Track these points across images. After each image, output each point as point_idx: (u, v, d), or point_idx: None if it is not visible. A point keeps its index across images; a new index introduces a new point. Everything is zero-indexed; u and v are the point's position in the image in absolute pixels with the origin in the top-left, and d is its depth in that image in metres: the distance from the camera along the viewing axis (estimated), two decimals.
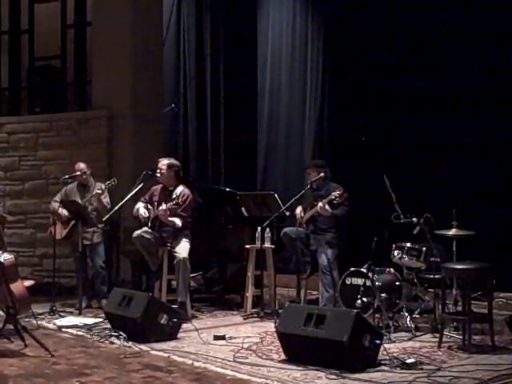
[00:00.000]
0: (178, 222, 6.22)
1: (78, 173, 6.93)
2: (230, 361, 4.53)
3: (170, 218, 6.17)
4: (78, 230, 6.58)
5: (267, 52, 9.59)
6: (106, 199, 6.84)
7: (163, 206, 6.12)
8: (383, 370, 4.23)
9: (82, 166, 6.99)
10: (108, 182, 6.74)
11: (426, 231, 5.50)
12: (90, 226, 6.74)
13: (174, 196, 6.28)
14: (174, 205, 6.07)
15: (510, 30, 7.06)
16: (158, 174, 6.48)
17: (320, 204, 6.06)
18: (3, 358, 4.64)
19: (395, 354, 4.55)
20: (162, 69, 8.91)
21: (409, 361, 4.32)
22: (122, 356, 4.70)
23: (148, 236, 6.23)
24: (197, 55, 10.09)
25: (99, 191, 6.68)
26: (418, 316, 5.75)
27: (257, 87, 9.68)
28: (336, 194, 5.94)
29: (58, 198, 7.04)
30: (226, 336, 5.25)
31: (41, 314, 6.13)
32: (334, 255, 6.17)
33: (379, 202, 6.23)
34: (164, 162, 6.44)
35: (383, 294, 5.44)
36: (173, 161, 6.52)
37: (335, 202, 6.00)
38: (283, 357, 4.59)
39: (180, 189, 6.40)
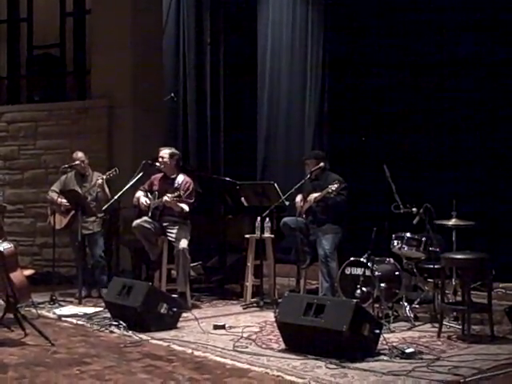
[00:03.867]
0: (185, 207, 6.20)
1: (78, 162, 6.91)
2: (229, 350, 4.54)
3: (177, 204, 6.15)
4: (77, 220, 6.57)
5: (267, 40, 9.56)
6: (106, 189, 6.83)
7: (166, 198, 6.09)
8: (383, 360, 4.24)
9: (80, 154, 6.98)
10: (109, 171, 6.72)
11: (426, 221, 5.49)
12: (90, 216, 6.74)
13: (176, 185, 6.28)
14: (175, 197, 6.05)
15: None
16: (158, 164, 6.46)
17: (313, 195, 6.11)
18: (3, 346, 4.65)
19: (395, 344, 4.56)
20: (162, 58, 8.87)
21: (408, 350, 4.32)
22: (121, 345, 4.71)
23: (148, 225, 6.22)
24: (196, 44, 10.05)
25: (100, 181, 6.66)
26: (417, 306, 5.76)
27: (257, 77, 9.66)
28: (333, 187, 5.94)
29: (55, 187, 7.03)
30: (226, 325, 5.26)
31: (41, 304, 6.14)
32: (334, 245, 6.17)
33: (379, 192, 6.23)
34: (166, 151, 6.41)
35: (383, 284, 5.44)
36: (174, 150, 6.51)
37: (332, 194, 6.00)
38: (283, 346, 4.60)
39: (181, 177, 6.40)
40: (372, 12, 8.17)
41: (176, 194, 6.07)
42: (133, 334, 4.99)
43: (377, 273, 5.51)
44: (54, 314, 5.87)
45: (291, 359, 4.28)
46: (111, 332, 5.13)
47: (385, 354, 4.34)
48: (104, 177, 6.68)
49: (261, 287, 6.38)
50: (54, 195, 6.88)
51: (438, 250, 5.53)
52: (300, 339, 4.47)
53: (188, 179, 6.40)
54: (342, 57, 8.57)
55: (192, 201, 6.29)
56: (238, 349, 4.57)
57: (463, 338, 4.83)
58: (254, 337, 4.95)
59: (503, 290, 6.67)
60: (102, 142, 8.10)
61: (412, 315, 5.44)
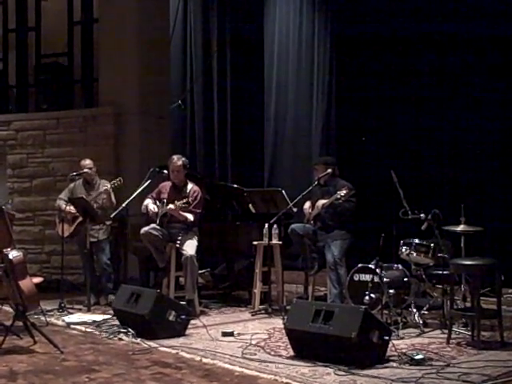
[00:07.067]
0: (190, 216, 6.22)
1: (85, 170, 6.93)
2: (238, 357, 4.53)
3: (182, 213, 6.16)
4: (85, 227, 6.59)
5: (274, 48, 9.58)
6: (112, 197, 6.84)
7: (171, 206, 6.11)
8: (392, 367, 4.23)
9: (87, 161, 7.00)
10: (114, 181, 6.74)
11: (434, 227, 5.47)
12: (98, 223, 6.75)
13: (184, 194, 6.28)
14: (184, 203, 6.06)
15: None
16: (167, 173, 6.47)
17: (321, 202, 6.12)
18: (13, 354, 4.67)
19: (404, 351, 4.54)
20: (169, 66, 8.91)
21: (417, 357, 4.30)
22: (130, 352, 4.71)
23: (156, 233, 6.23)
24: (203, 52, 10.09)
25: (106, 187, 6.67)
26: (426, 312, 5.73)
27: (263, 84, 9.67)
28: (342, 193, 5.93)
29: (63, 195, 7.05)
30: (235, 332, 5.26)
31: (50, 311, 6.16)
32: (342, 251, 6.16)
33: (387, 198, 6.22)
34: (179, 163, 6.35)
35: (391, 290, 5.43)
36: (184, 158, 6.48)
37: (341, 201, 5.99)
38: (291, 353, 4.59)
39: (190, 186, 6.41)
40: (378, 19, 8.18)
41: (185, 200, 6.07)
42: (141, 341, 5.00)
43: (385, 279, 5.49)
44: (63, 321, 5.88)
45: (300, 366, 4.27)
46: (120, 339, 5.13)
47: (394, 361, 4.32)
48: (108, 186, 6.69)
49: (269, 294, 6.38)
50: (62, 203, 6.90)
51: (446, 255, 5.50)
52: (309, 346, 4.46)
53: (196, 188, 6.41)
54: (349, 63, 8.58)
55: (199, 211, 6.30)
56: (247, 356, 4.56)
57: (473, 344, 4.80)
58: (262, 344, 4.94)
59: None
60: (109, 149, 8.14)
61: (421, 321, 5.41)
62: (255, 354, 4.61)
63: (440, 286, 5.77)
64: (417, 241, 5.73)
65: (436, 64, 7.79)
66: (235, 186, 7.40)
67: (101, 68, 8.54)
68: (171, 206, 6.11)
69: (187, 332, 5.28)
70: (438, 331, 5.27)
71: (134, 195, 6.55)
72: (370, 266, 5.73)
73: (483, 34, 7.26)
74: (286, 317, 4.89)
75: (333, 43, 8.90)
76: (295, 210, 6.37)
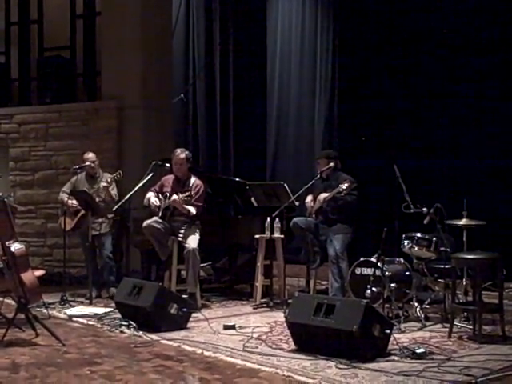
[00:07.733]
0: (192, 209, 6.22)
1: (88, 163, 6.94)
2: (239, 350, 4.54)
3: (184, 206, 6.17)
4: (87, 220, 6.59)
5: (277, 41, 9.58)
6: (113, 191, 6.84)
7: (174, 197, 6.12)
8: (393, 360, 4.23)
9: (90, 155, 7.01)
10: (114, 174, 6.74)
11: (437, 221, 5.47)
12: (100, 216, 6.75)
13: (187, 187, 6.28)
14: (186, 196, 6.07)
15: None
16: (168, 164, 6.47)
17: (323, 195, 6.12)
18: (15, 347, 4.68)
19: (405, 344, 4.54)
20: (171, 59, 8.90)
21: (419, 351, 4.30)
22: (132, 345, 4.72)
23: (158, 226, 6.23)
24: (206, 45, 10.09)
25: (105, 184, 6.67)
26: (427, 306, 5.73)
27: (266, 77, 9.67)
28: (343, 186, 5.92)
29: (66, 188, 7.05)
30: (236, 326, 5.26)
31: (51, 304, 6.17)
32: (344, 245, 6.16)
33: (389, 192, 6.22)
34: (182, 157, 6.36)
35: (393, 284, 5.42)
36: (187, 152, 6.48)
37: (342, 194, 5.98)
38: (293, 346, 4.59)
39: (193, 180, 6.41)
40: (381, 17, 8.18)
41: (187, 193, 6.08)
42: (143, 334, 5.01)
43: (387, 273, 5.49)
44: (65, 314, 5.90)
45: (301, 359, 4.28)
46: (122, 332, 5.14)
47: (395, 355, 4.32)
48: (109, 179, 6.69)
49: (271, 287, 6.38)
50: (65, 196, 6.90)
51: (448, 249, 5.50)
52: (310, 339, 4.46)
53: (199, 182, 6.41)
54: (352, 58, 8.58)
55: (201, 204, 6.30)
56: (248, 349, 4.57)
57: (474, 338, 4.80)
58: (264, 337, 4.94)
59: None
60: (111, 142, 8.14)
61: (422, 315, 5.41)
62: (257, 348, 4.62)
63: (442, 280, 5.77)
64: (419, 235, 5.72)
65: (438, 58, 7.78)
66: (237, 179, 7.40)
67: (103, 61, 8.54)
68: (175, 196, 6.12)
69: (189, 325, 5.29)
70: (440, 325, 5.27)
71: (136, 188, 6.55)
72: (371, 259, 5.73)
73: (484, 32, 7.27)
74: (287, 310, 4.89)
75: (335, 38, 8.90)
76: (297, 203, 6.37)
